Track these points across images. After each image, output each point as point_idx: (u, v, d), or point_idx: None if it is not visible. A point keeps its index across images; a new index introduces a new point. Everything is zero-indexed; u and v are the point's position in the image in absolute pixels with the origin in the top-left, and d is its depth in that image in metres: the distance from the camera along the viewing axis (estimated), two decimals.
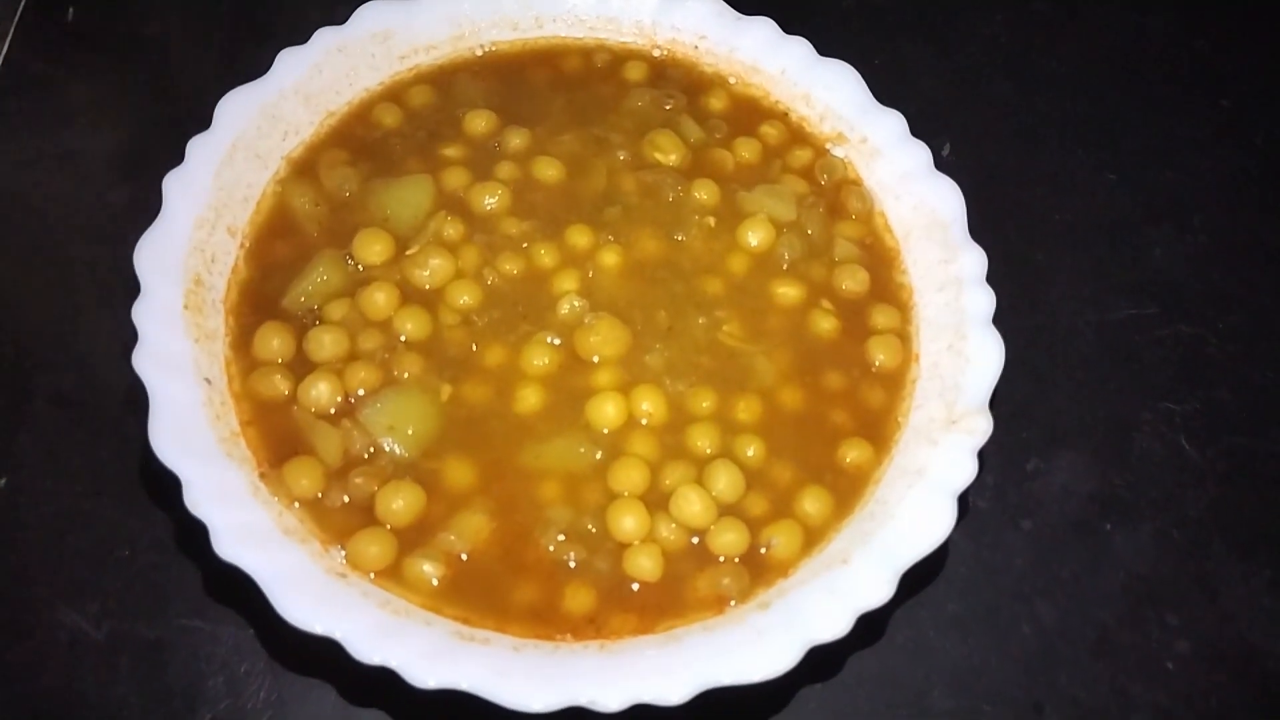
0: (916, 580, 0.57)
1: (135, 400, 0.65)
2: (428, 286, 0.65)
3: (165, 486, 0.64)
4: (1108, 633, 0.64)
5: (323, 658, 0.58)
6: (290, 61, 0.70)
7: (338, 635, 0.52)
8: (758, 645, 0.53)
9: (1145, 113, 0.88)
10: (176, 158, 0.66)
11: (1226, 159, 0.86)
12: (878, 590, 0.54)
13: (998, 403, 0.62)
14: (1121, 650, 0.64)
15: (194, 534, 0.62)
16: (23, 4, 0.87)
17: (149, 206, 0.64)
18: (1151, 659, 0.64)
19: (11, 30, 0.85)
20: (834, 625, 0.53)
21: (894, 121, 0.72)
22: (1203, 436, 0.72)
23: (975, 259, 0.66)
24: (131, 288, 0.61)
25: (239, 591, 0.59)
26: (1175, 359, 0.75)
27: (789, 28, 0.77)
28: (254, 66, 0.71)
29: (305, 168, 0.70)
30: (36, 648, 0.60)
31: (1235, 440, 0.72)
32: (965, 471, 0.58)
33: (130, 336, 0.59)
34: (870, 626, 0.55)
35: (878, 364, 0.65)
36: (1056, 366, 0.74)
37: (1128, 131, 0.87)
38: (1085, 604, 0.65)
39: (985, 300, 0.64)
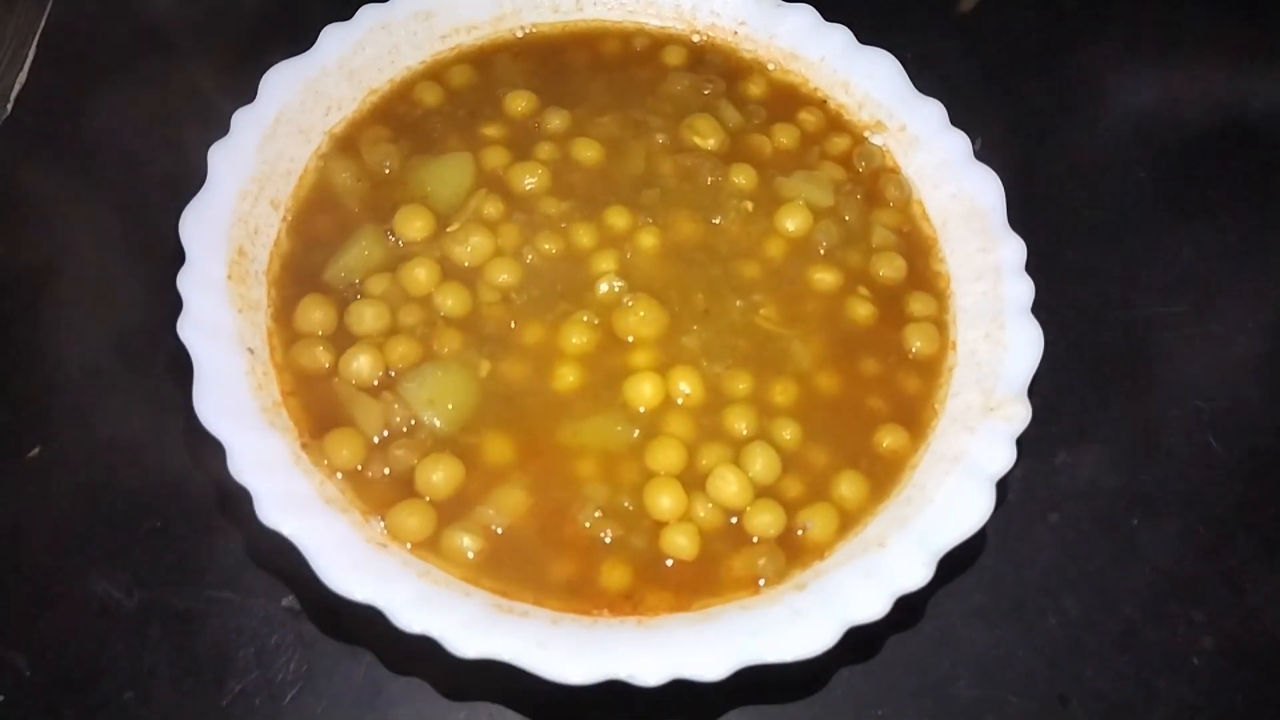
0: (945, 571, 0.56)
1: (169, 370, 0.66)
2: (467, 264, 0.65)
3: (199, 457, 0.65)
4: (1133, 627, 0.64)
5: (354, 631, 0.59)
6: (334, 37, 0.70)
7: (380, 603, 0.52)
8: (795, 625, 0.53)
9: (1174, 109, 0.88)
10: (213, 131, 0.66)
11: (1256, 156, 0.86)
12: (915, 573, 0.55)
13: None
14: (1147, 645, 0.64)
15: (227, 505, 0.62)
16: None
17: (185, 179, 0.64)
18: (1177, 654, 0.64)
19: (49, 6, 0.85)
20: (871, 607, 0.53)
21: (933, 110, 0.72)
22: (1230, 434, 0.72)
23: (1014, 248, 0.66)
24: (164, 258, 0.61)
25: (271, 564, 0.60)
26: (1204, 357, 0.76)
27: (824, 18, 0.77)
28: (291, 41, 0.71)
29: (347, 143, 0.70)
30: (68, 616, 0.61)
31: (1262, 439, 0.72)
32: (1003, 457, 0.58)
33: (167, 306, 0.59)
34: (897, 616, 0.55)
35: (914, 351, 0.65)
36: (1085, 362, 0.74)
37: (1156, 127, 0.87)
38: (1111, 598, 0.65)
39: (1024, 289, 0.64)
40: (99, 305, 0.72)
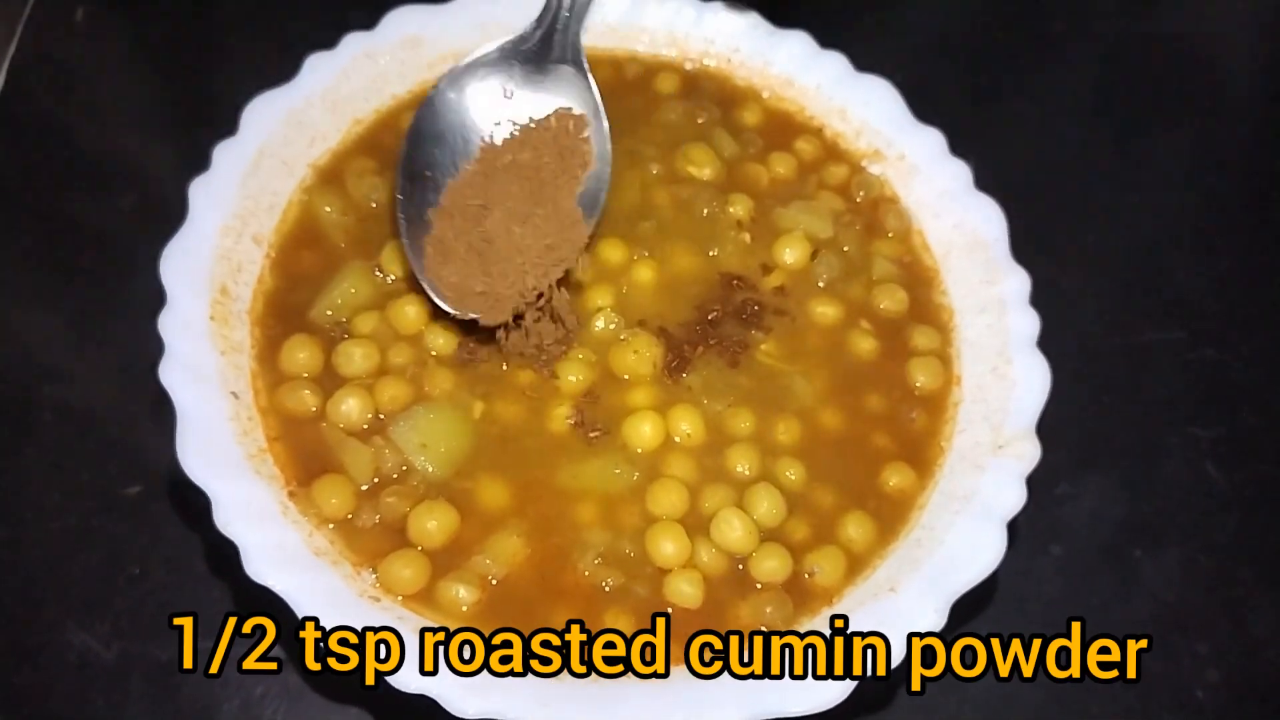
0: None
1: (146, 413, 0.64)
2: None
3: (176, 502, 0.63)
4: (1138, 661, 0.63)
5: (342, 684, 0.57)
6: (318, 67, 0.69)
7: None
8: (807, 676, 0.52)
9: (1165, 133, 0.88)
10: (190, 162, 0.64)
11: (1247, 181, 0.86)
12: (927, 619, 0.53)
13: None
14: (1152, 679, 0.63)
15: (210, 551, 0.60)
16: (30, 4, 0.85)
17: (161, 213, 0.62)
18: (1182, 688, 0.63)
19: (19, 31, 0.83)
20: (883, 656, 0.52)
21: (932, 138, 0.71)
22: (1229, 462, 0.71)
23: (1019, 280, 0.65)
24: (141, 297, 0.59)
25: (257, 611, 0.58)
26: (1201, 383, 0.75)
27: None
28: (267, 71, 0.69)
29: (332, 176, 0.68)
30: (45, 669, 0.59)
31: (1262, 467, 0.72)
32: (1014, 497, 0.57)
33: (139, 347, 0.57)
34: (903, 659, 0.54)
35: (919, 386, 0.64)
36: (1084, 390, 0.73)
37: (1148, 152, 0.87)
38: (1115, 632, 0.64)
39: (1029, 322, 0.63)
40: (70, 345, 0.70)
